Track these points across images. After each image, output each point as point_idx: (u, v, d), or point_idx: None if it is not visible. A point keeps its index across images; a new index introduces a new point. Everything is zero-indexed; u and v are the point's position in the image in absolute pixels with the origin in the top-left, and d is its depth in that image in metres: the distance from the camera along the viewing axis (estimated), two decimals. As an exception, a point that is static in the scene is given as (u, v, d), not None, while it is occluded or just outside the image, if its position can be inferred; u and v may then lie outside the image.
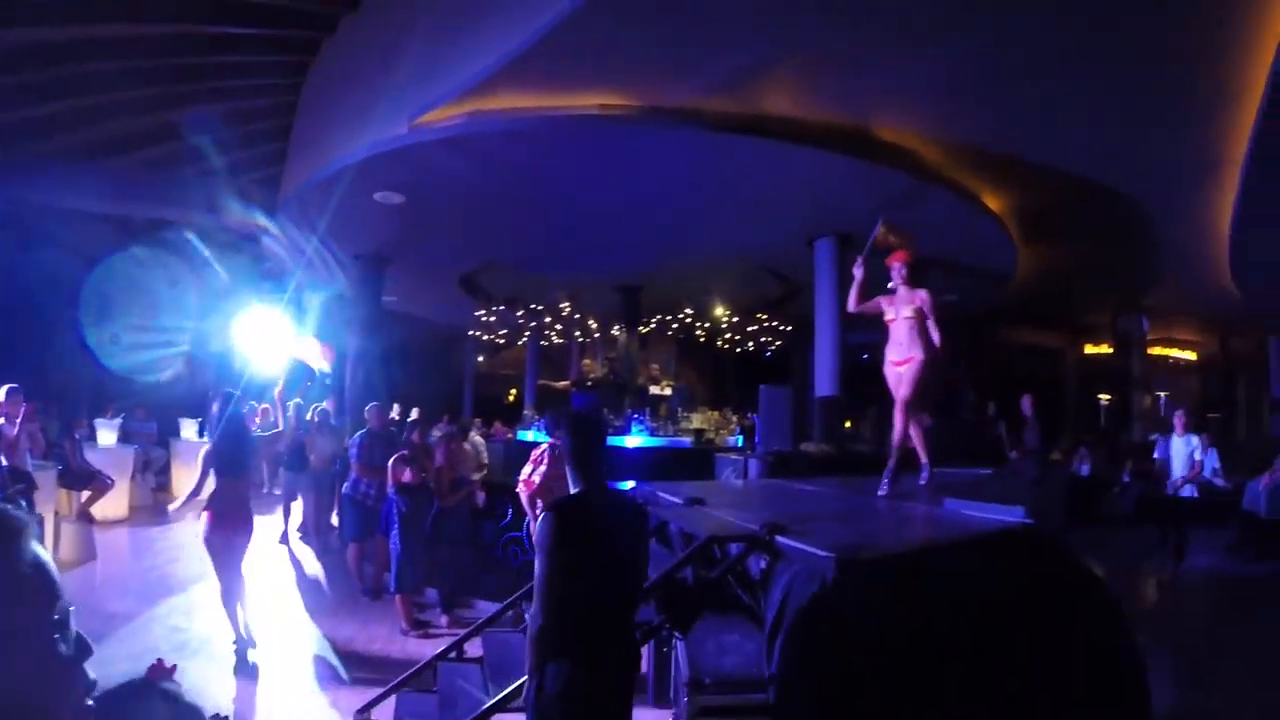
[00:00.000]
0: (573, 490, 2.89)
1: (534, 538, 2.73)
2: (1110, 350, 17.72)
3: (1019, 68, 7.00)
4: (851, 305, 5.70)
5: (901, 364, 5.43)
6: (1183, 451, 8.89)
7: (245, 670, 5.41)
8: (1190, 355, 21.80)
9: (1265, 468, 9.38)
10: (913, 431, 5.57)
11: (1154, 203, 10.01)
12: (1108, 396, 18.95)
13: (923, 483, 5.49)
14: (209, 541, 5.43)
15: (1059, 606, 3.15)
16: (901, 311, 5.45)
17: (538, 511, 6.02)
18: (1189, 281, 13.70)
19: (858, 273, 5.70)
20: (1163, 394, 20.54)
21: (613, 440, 10.72)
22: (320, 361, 8.65)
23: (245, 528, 5.56)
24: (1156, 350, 19.93)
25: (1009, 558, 3.37)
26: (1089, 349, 20.46)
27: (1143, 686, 3.12)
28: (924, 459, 5.68)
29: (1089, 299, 16.46)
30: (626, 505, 3.07)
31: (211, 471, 5.47)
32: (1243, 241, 10.35)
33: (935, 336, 5.39)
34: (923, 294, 5.42)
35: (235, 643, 5.53)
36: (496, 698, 3.39)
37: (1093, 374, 20.24)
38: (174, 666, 3.93)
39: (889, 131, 8.32)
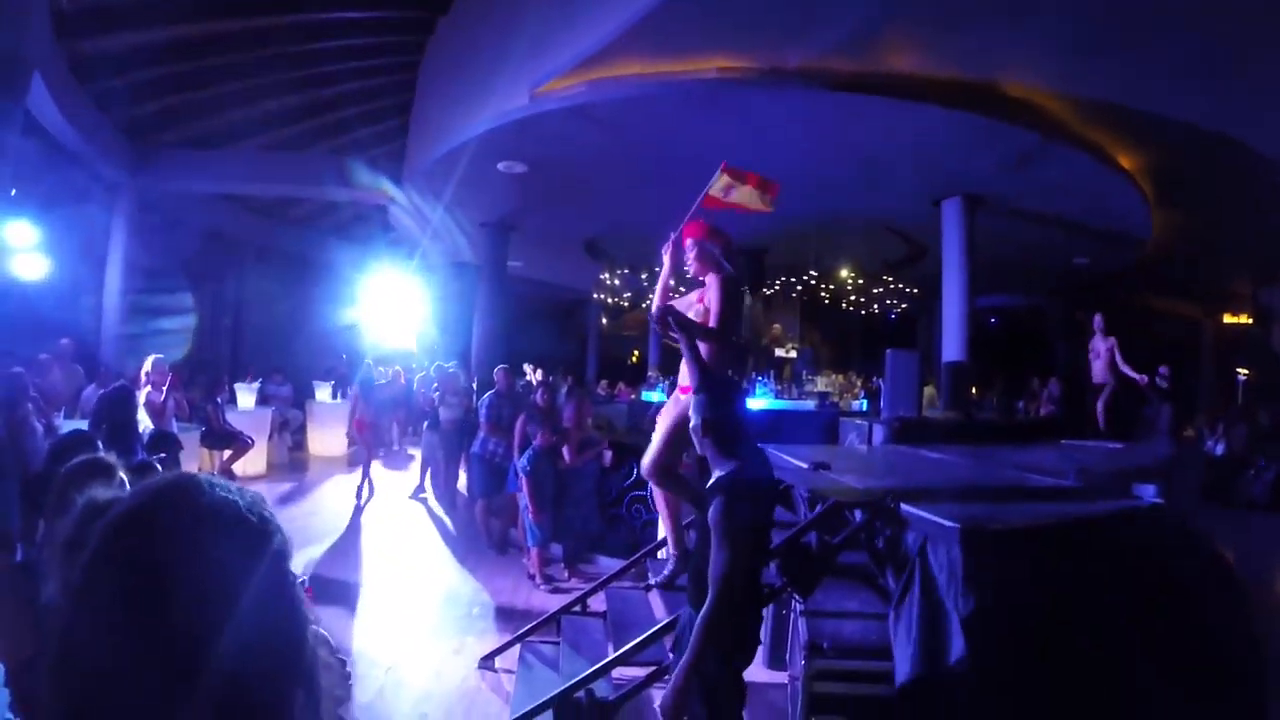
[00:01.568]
0: (725, 467, 2.72)
1: (712, 521, 2.56)
2: (1250, 322, 16.54)
3: (1151, 20, 6.59)
4: (655, 307, 3.73)
5: (685, 392, 3.80)
6: None
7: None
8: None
9: None
10: (659, 501, 4.36)
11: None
12: (1246, 371, 17.71)
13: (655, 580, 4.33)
14: (359, 438, 10.26)
15: (1184, 588, 3.07)
16: (691, 311, 3.90)
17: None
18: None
19: (666, 258, 4.02)
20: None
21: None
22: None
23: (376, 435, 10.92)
24: (1302, 323, 18.51)
25: (1138, 537, 3.27)
26: (1228, 319, 19.17)
27: (1263, 673, 3.02)
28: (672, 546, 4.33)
29: (1229, 267, 15.43)
30: (772, 473, 2.98)
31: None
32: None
33: (712, 324, 3.69)
34: (712, 278, 3.82)
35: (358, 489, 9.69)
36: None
37: (1231, 347, 18.95)
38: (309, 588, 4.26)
39: (1016, 87, 7.98)
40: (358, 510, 9.29)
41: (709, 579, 2.53)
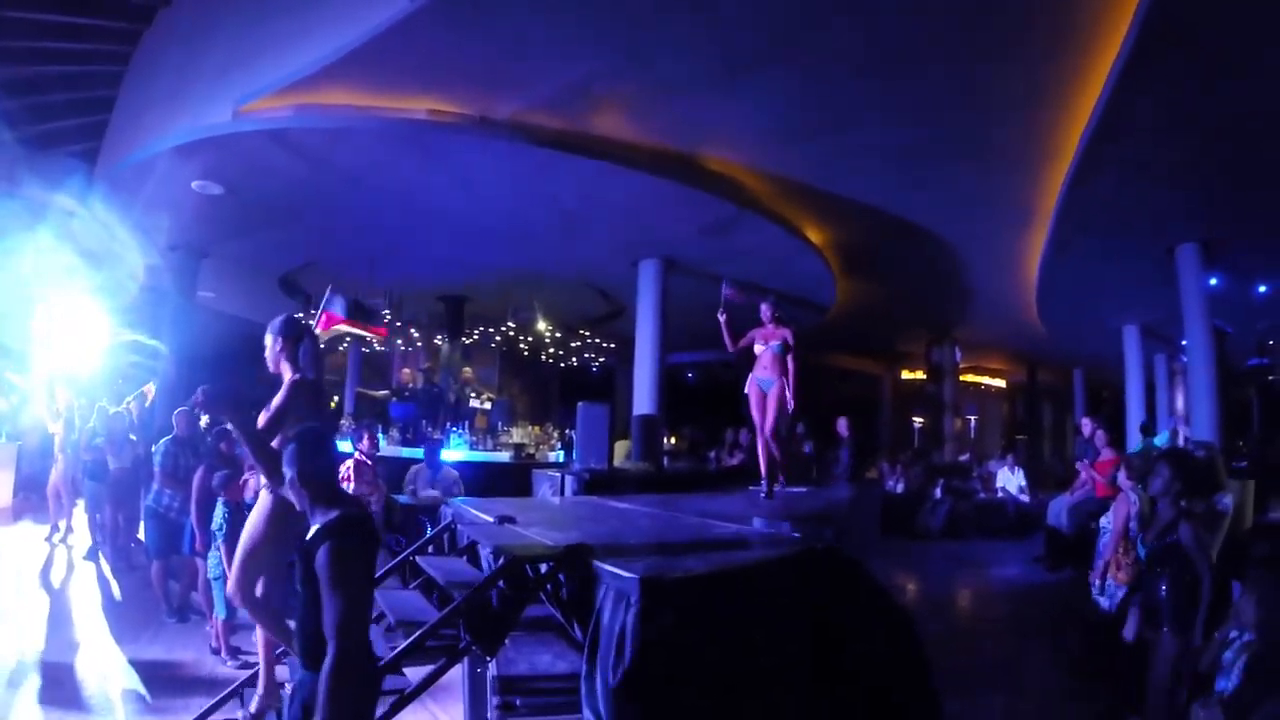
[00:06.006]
0: (326, 514, 2.72)
1: (320, 568, 2.56)
2: (924, 377, 19.12)
3: (843, 108, 7.36)
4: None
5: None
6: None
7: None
8: (1000, 383, 23.97)
9: (1067, 486, 9.73)
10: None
11: (969, 245, 10.75)
12: (921, 419, 20.43)
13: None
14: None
15: (854, 625, 3.26)
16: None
17: None
18: (999, 317, 14.82)
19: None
20: (973, 417, 22.48)
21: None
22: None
23: None
24: (969, 377, 21.72)
25: (811, 577, 3.54)
26: (905, 374, 22.10)
27: (932, 700, 3.28)
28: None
29: (906, 329, 17.67)
30: (371, 518, 3.06)
31: None
32: (1049, 286, 11.22)
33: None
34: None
35: None
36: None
37: (908, 399, 21.81)
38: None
39: (715, 161, 8.67)
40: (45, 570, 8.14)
41: (326, 632, 2.49)
